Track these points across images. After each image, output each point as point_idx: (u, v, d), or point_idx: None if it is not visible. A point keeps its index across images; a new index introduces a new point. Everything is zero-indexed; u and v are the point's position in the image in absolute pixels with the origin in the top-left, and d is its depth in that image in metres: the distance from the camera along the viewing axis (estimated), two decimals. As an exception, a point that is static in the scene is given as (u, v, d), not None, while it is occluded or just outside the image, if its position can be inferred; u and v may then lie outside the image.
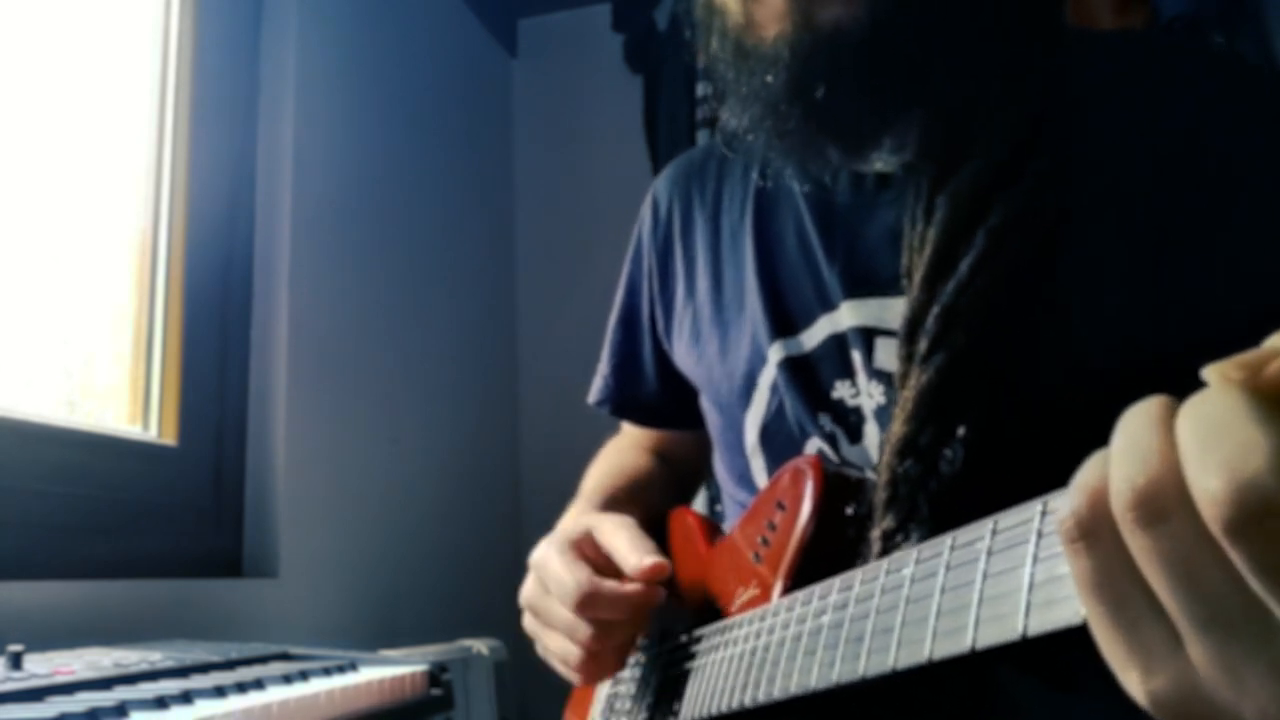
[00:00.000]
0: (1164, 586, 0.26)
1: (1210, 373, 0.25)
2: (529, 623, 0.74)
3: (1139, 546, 0.26)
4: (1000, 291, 0.57)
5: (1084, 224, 0.60)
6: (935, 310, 0.57)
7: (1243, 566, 0.24)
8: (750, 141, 0.67)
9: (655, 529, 0.86)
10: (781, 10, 0.61)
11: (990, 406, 0.57)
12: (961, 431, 0.56)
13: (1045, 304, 0.59)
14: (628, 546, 0.67)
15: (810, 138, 0.64)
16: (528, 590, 0.73)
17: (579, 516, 0.77)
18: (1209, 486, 0.24)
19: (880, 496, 0.58)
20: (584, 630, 0.67)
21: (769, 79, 0.62)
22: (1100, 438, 0.29)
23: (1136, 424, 0.27)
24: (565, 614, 0.68)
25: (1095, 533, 0.28)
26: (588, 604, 0.66)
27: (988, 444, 0.56)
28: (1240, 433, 0.24)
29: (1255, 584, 0.24)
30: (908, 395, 0.58)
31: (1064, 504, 0.29)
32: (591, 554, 0.70)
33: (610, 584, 0.66)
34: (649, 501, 0.86)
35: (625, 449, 0.94)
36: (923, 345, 0.58)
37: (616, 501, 0.82)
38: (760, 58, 0.63)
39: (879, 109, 0.62)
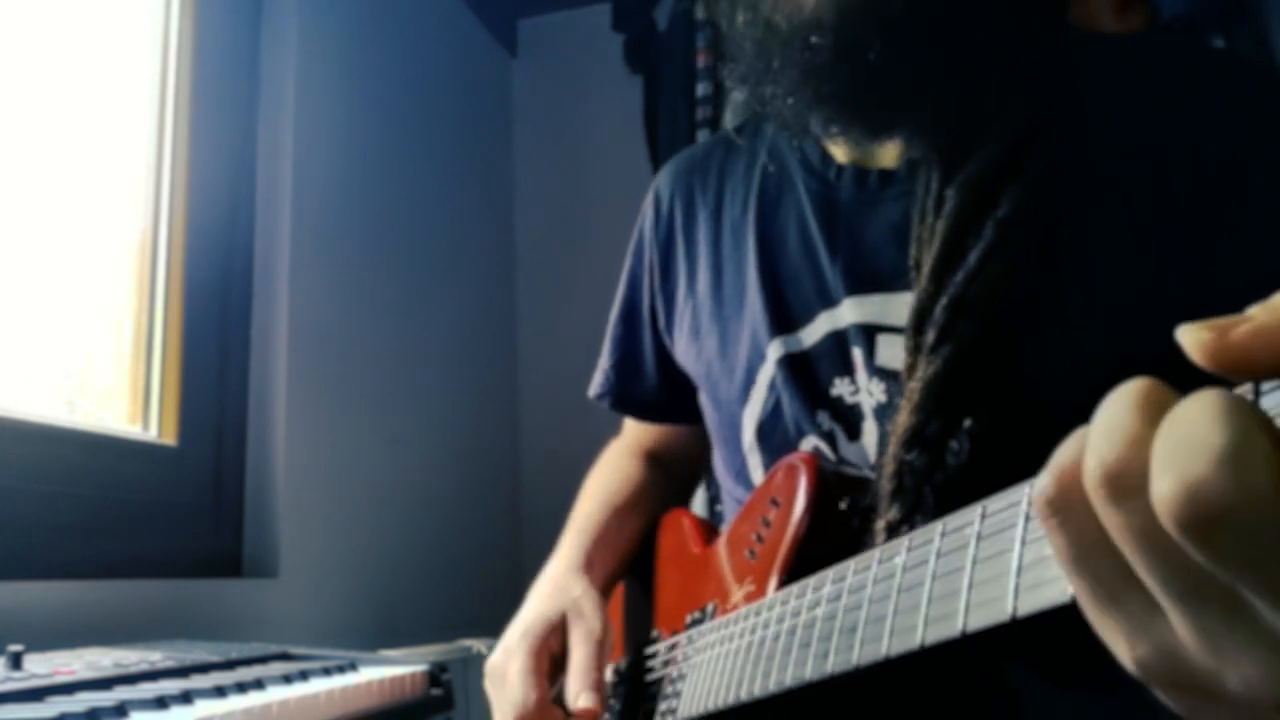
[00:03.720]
0: (1137, 560, 0.27)
1: (1183, 332, 0.26)
2: (487, 689, 0.78)
3: (1112, 522, 0.27)
4: (1008, 283, 0.57)
5: (1089, 218, 0.60)
6: (943, 301, 0.57)
7: (1200, 560, 0.24)
8: (779, 111, 0.65)
9: (650, 535, 0.87)
10: None
11: (997, 398, 0.57)
12: (968, 423, 0.56)
13: (1051, 296, 0.59)
14: (577, 671, 0.70)
15: (851, 100, 0.62)
16: (493, 663, 0.76)
17: (566, 580, 0.78)
18: (1159, 488, 0.24)
19: (886, 488, 0.58)
20: None
21: (813, 40, 0.60)
22: None
23: (1112, 404, 0.27)
24: (508, 717, 0.71)
25: (1067, 509, 0.28)
26: None
27: (994, 436, 0.56)
28: (1197, 435, 0.24)
29: (1217, 574, 0.24)
30: (914, 386, 0.58)
31: (1039, 481, 0.29)
32: (558, 650, 0.74)
33: (553, 715, 0.70)
34: (644, 514, 0.88)
35: (620, 459, 0.94)
36: (930, 336, 0.58)
37: (607, 533, 0.84)
38: (800, 24, 0.61)
39: (921, 74, 0.61)
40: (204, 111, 1.40)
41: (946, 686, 0.58)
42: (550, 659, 0.73)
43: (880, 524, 0.58)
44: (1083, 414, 0.39)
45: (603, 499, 0.88)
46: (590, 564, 0.80)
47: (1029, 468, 0.37)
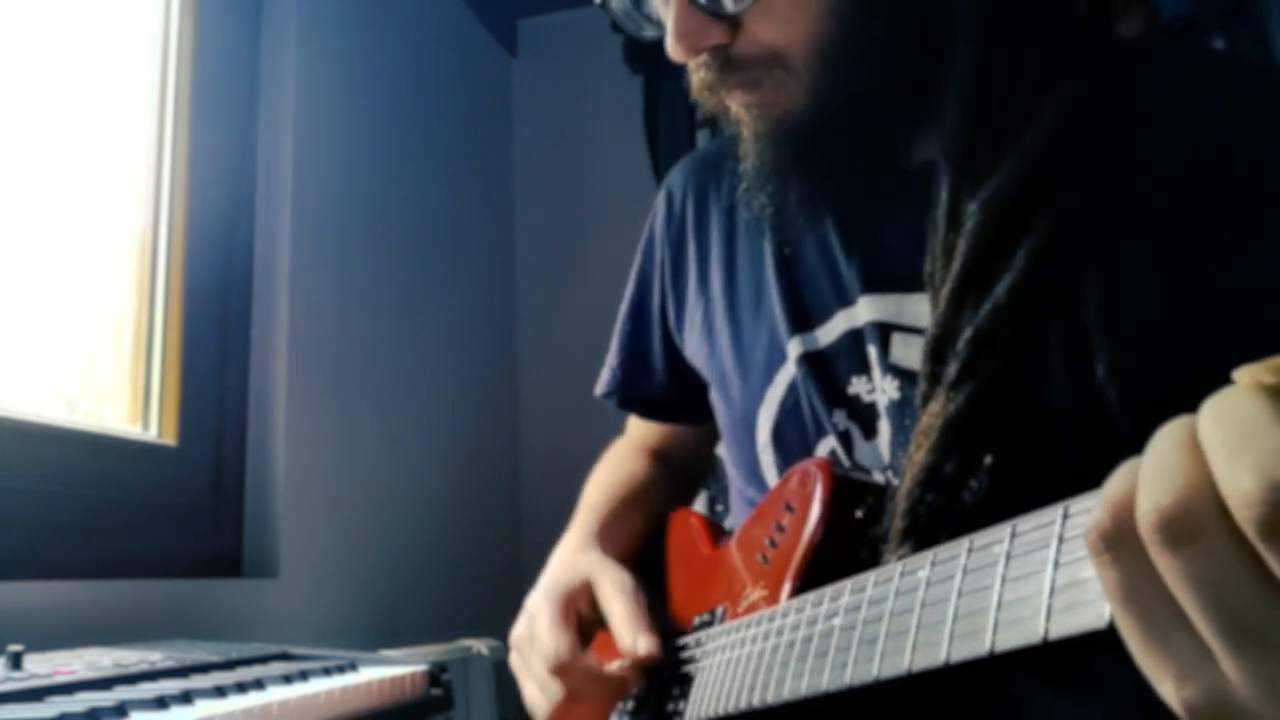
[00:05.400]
0: (1193, 605, 0.26)
1: (1242, 375, 0.26)
2: (514, 661, 0.77)
3: (1166, 566, 0.26)
4: (1038, 316, 0.56)
5: (1118, 240, 0.58)
6: (967, 334, 0.55)
7: (1278, 570, 0.24)
8: (755, 210, 0.69)
9: (656, 533, 0.86)
10: (738, 109, 0.65)
11: (1020, 433, 0.56)
12: (988, 460, 0.55)
13: (1077, 325, 0.57)
14: (623, 620, 0.70)
15: (784, 214, 0.67)
16: (518, 632, 0.76)
17: (579, 554, 0.78)
18: (1243, 486, 0.24)
19: (898, 526, 0.56)
20: (556, 692, 0.70)
21: (745, 164, 0.66)
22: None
23: (1165, 444, 0.27)
24: (542, 671, 0.71)
25: (1120, 547, 0.28)
26: (563, 672, 0.69)
27: (1014, 472, 0.55)
28: (1271, 434, 0.24)
29: None
30: (932, 422, 0.56)
31: (1091, 515, 0.29)
32: (585, 610, 0.74)
33: (589, 662, 0.70)
34: (650, 509, 0.88)
35: (625, 454, 0.94)
36: (952, 370, 0.55)
37: (615, 519, 0.84)
38: (738, 139, 0.67)
39: (856, 177, 0.65)
40: (204, 111, 1.40)
41: (944, 689, 0.58)
42: (577, 617, 0.73)
43: (893, 560, 0.56)
44: (1107, 443, 0.39)
45: (609, 491, 0.88)
46: (602, 541, 0.81)
47: (1047, 500, 0.36)
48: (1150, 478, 0.27)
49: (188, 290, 1.34)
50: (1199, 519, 0.25)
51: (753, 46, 0.61)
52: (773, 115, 0.63)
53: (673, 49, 0.63)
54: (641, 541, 0.86)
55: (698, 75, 0.65)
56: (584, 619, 0.73)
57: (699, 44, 0.62)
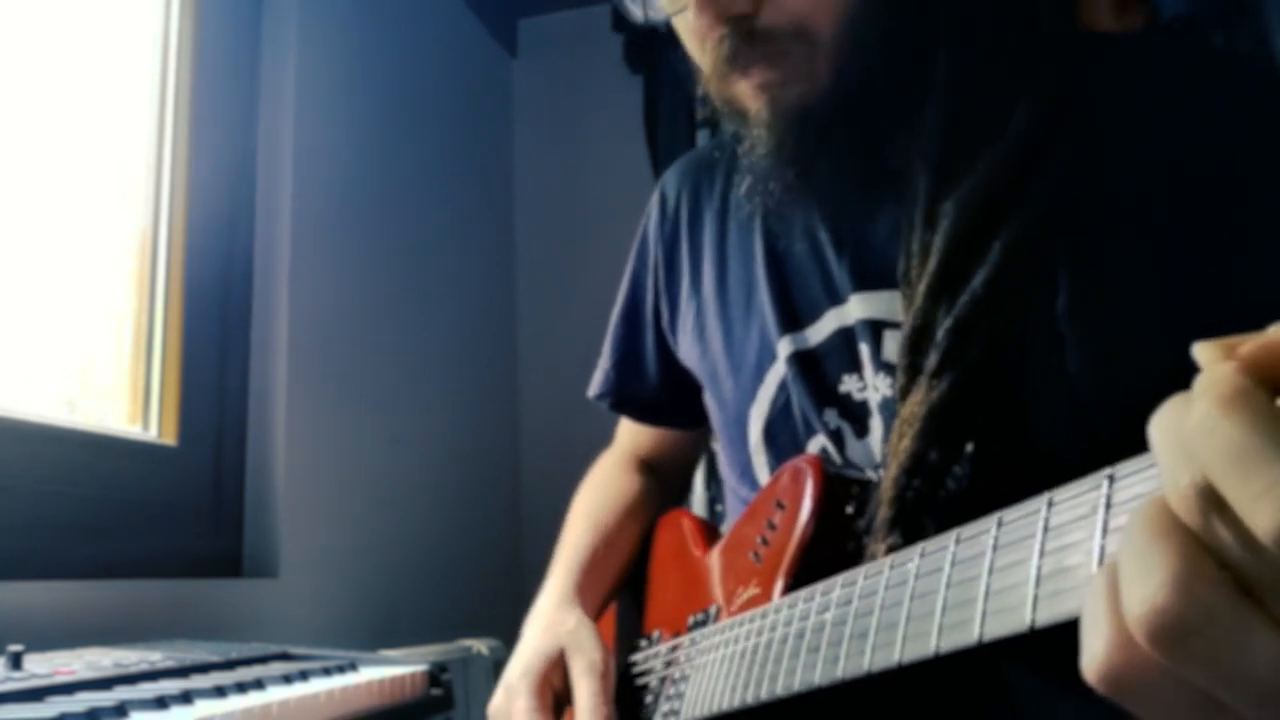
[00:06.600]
0: (1215, 687, 0.25)
1: (1198, 349, 0.26)
2: None
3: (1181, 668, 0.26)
4: (1015, 307, 0.56)
5: (1098, 231, 0.58)
6: (946, 325, 0.56)
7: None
8: (754, 203, 0.69)
9: (649, 536, 0.86)
10: (752, 93, 0.64)
11: (1000, 422, 0.56)
12: (970, 448, 0.55)
13: (1053, 319, 0.57)
14: (587, 706, 0.69)
15: (799, 203, 0.67)
16: (495, 706, 0.76)
17: (559, 613, 0.78)
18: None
19: (884, 514, 0.56)
20: None
21: (752, 155, 0.66)
22: (1109, 449, 0.30)
23: (1144, 533, 0.26)
24: None
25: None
26: None
27: (996, 459, 0.55)
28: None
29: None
30: (914, 411, 0.56)
31: (1091, 651, 0.28)
32: (559, 685, 0.73)
33: None
34: (637, 531, 0.88)
35: (611, 473, 0.94)
36: (932, 360, 0.56)
37: (598, 559, 0.83)
38: (744, 131, 0.67)
39: (860, 169, 0.65)
40: (204, 111, 1.40)
41: (943, 686, 0.58)
42: (553, 694, 0.73)
43: (880, 549, 0.56)
44: (1079, 433, 0.39)
45: (592, 520, 0.87)
46: (582, 593, 0.80)
47: (1028, 487, 0.36)
48: (1133, 579, 0.26)
49: (188, 290, 1.34)
50: (1208, 615, 0.25)
51: (779, 16, 0.61)
52: (789, 95, 0.63)
53: (697, 17, 0.62)
54: (628, 568, 0.86)
55: (717, 52, 0.64)
56: (558, 693, 0.74)
57: (727, 9, 0.62)
